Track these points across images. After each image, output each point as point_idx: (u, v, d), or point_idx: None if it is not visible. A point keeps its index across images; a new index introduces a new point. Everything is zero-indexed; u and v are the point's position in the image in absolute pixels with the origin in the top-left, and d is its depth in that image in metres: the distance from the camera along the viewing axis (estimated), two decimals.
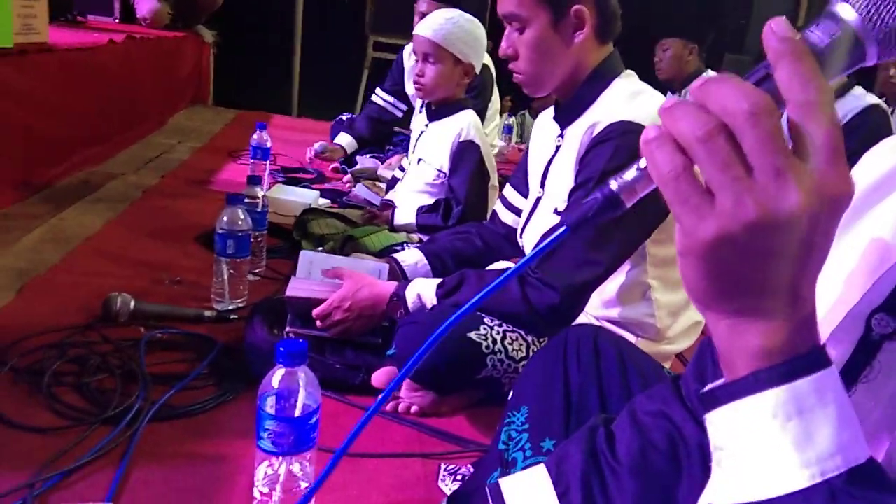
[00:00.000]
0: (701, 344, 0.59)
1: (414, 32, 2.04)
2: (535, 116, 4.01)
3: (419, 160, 2.14)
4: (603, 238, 1.21)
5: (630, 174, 0.41)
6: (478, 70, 2.10)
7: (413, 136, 2.28)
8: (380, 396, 0.50)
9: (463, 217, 1.98)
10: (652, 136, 0.38)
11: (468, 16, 2.05)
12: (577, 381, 0.95)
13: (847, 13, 0.38)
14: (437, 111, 2.10)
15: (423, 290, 1.35)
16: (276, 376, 0.88)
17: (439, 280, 1.35)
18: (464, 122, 2.04)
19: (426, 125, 2.16)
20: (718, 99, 0.36)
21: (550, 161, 1.36)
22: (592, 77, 1.29)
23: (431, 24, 1.99)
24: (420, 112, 2.32)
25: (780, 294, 0.37)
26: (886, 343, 0.45)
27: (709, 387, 0.41)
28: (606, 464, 0.69)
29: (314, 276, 1.51)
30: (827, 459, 0.36)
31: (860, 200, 0.56)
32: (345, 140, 3.12)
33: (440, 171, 2.07)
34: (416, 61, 2.04)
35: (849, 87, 2.56)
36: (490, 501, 0.72)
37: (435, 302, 1.33)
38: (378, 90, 3.19)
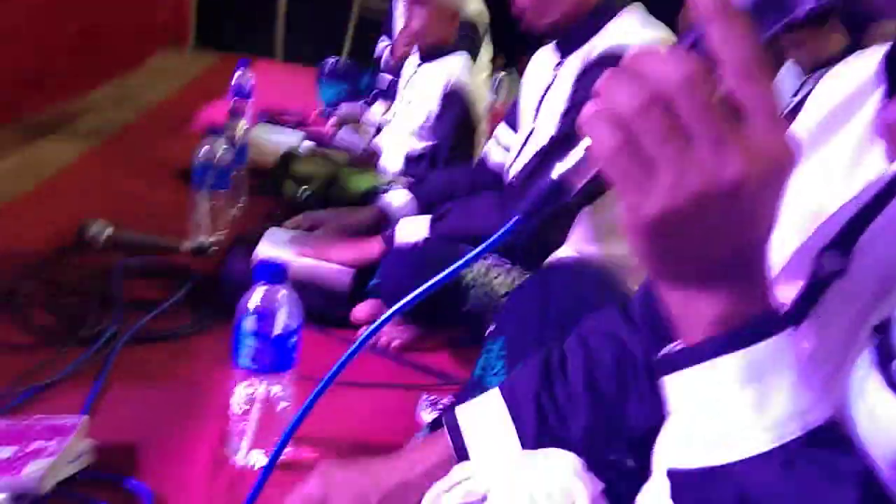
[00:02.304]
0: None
1: None
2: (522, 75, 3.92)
3: (409, 102, 2.10)
4: None
5: (576, 154, 0.40)
6: (465, 11, 2.06)
7: (403, 78, 2.24)
8: (368, 329, 0.50)
9: (449, 162, 1.95)
10: (591, 112, 0.36)
11: None
12: (555, 315, 0.95)
13: None
14: (429, 54, 2.06)
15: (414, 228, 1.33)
16: (257, 294, 0.87)
17: (427, 217, 1.33)
18: (454, 67, 2.00)
19: (417, 66, 2.11)
20: (651, 70, 0.34)
21: (546, 90, 1.34)
22: (599, 7, 1.26)
23: None
24: (413, 54, 2.27)
25: (729, 262, 0.37)
26: (835, 281, 0.44)
27: (665, 351, 0.41)
28: (559, 384, 0.69)
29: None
30: (785, 423, 0.36)
31: (817, 131, 0.54)
32: None
33: (430, 113, 2.04)
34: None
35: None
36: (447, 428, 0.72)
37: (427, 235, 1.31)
38: (384, 38, 3.13)
